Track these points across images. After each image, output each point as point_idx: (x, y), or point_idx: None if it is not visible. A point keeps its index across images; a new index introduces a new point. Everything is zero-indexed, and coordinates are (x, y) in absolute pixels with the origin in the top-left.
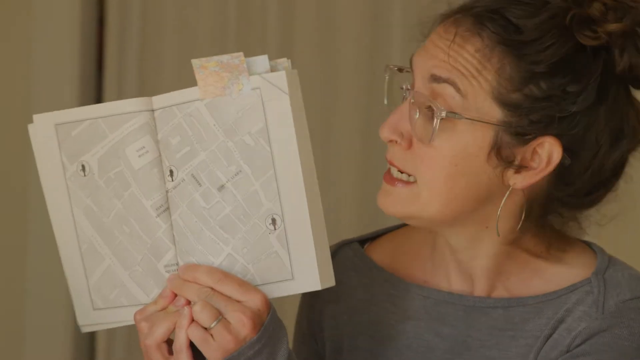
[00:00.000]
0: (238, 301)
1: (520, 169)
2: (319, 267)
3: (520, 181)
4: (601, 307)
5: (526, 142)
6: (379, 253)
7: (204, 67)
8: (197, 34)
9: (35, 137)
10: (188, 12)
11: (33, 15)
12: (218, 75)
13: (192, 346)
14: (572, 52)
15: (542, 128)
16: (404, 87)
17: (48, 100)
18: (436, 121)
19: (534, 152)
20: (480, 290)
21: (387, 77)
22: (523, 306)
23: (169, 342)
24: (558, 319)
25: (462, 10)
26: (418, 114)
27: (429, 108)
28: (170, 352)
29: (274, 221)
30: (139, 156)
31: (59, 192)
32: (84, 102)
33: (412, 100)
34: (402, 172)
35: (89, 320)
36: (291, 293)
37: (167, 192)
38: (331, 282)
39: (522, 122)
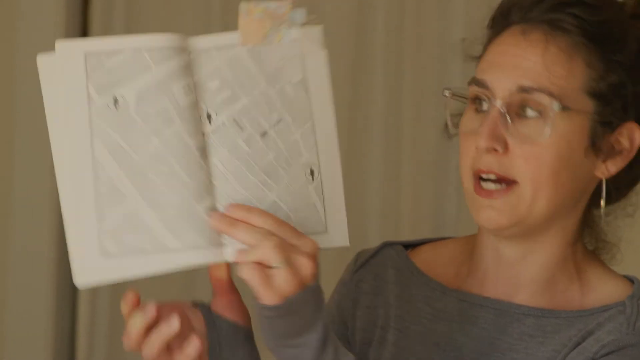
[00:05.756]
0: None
1: (608, 157)
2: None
3: (608, 169)
4: (632, 325)
5: (612, 130)
6: (420, 258)
7: (251, 11)
8: None
9: (48, 67)
10: (171, 30)
11: (16, 34)
12: (261, 22)
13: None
14: (634, 38)
15: (624, 114)
16: (481, 99)
17: (31, 110)
18: (552, 116)
19: (617, 139)
20: (521, 299)
21: (447, 107)
22: (556, 318)
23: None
24: (589, 330)
25: (524, 19)
26: (510, 119)
27: (522, 108)
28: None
29: (312, 172)
30: (185, 94)
31: (76, 127)
32: None
33: (503, 110)
34: (500, 180)
35: (92, 272)
36: (323, 246)
37: (203, 135)
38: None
39: (608, 111)
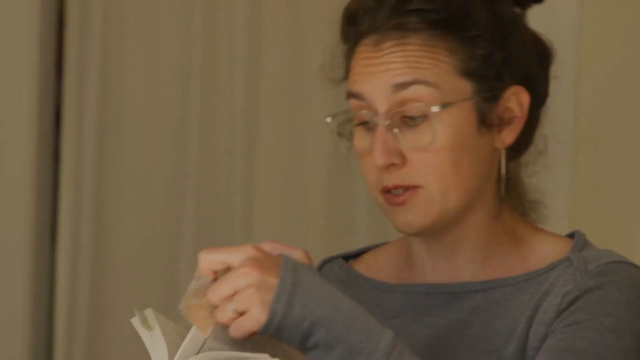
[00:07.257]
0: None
1: (502, 127)
2: None
3: (506, 138)
4: (584, 271)
5: (497, 100)
6: (362, 266)
7: (188, 306)
8: (160, 37)
9: None
10: (151, 16)
11: None
12: (200, 306)
13: None
14: (479, 7)
15: (501, 82)
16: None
17: (4, 104)
18: (435, 118)
19: (505, 107)
20: (464, 277)
21: (335, 127)
22: (504, 286)
23: None
24: (544, 291)
25: (373, 28)
26: (398, 130)
27: (406, 117)
28: None
29: None
30: None
31: None
32: (42, 105)
33: (386, 123)
34: (407, 190)
35: None
36: None
37: None
38: None
39: (487, 84)
